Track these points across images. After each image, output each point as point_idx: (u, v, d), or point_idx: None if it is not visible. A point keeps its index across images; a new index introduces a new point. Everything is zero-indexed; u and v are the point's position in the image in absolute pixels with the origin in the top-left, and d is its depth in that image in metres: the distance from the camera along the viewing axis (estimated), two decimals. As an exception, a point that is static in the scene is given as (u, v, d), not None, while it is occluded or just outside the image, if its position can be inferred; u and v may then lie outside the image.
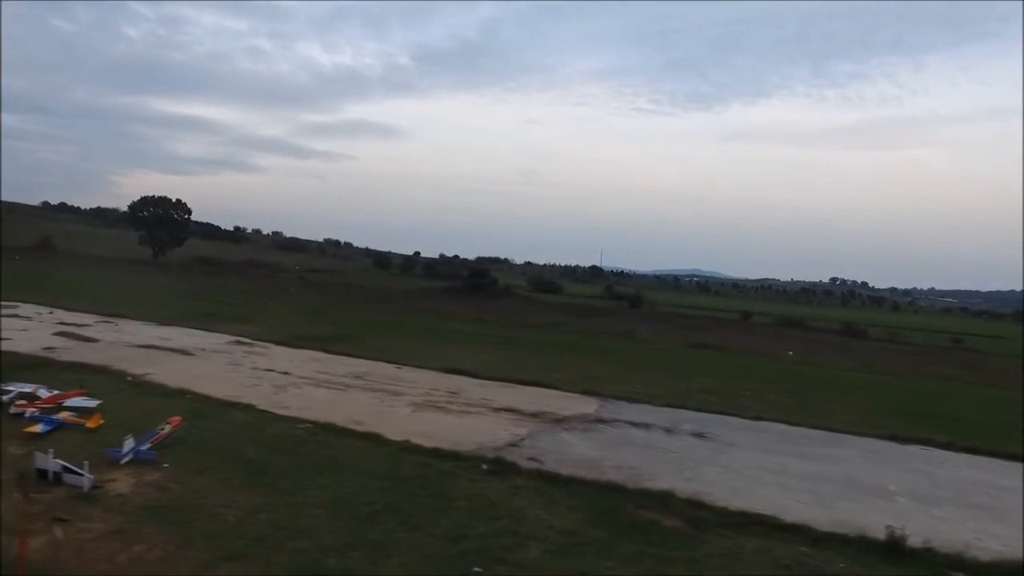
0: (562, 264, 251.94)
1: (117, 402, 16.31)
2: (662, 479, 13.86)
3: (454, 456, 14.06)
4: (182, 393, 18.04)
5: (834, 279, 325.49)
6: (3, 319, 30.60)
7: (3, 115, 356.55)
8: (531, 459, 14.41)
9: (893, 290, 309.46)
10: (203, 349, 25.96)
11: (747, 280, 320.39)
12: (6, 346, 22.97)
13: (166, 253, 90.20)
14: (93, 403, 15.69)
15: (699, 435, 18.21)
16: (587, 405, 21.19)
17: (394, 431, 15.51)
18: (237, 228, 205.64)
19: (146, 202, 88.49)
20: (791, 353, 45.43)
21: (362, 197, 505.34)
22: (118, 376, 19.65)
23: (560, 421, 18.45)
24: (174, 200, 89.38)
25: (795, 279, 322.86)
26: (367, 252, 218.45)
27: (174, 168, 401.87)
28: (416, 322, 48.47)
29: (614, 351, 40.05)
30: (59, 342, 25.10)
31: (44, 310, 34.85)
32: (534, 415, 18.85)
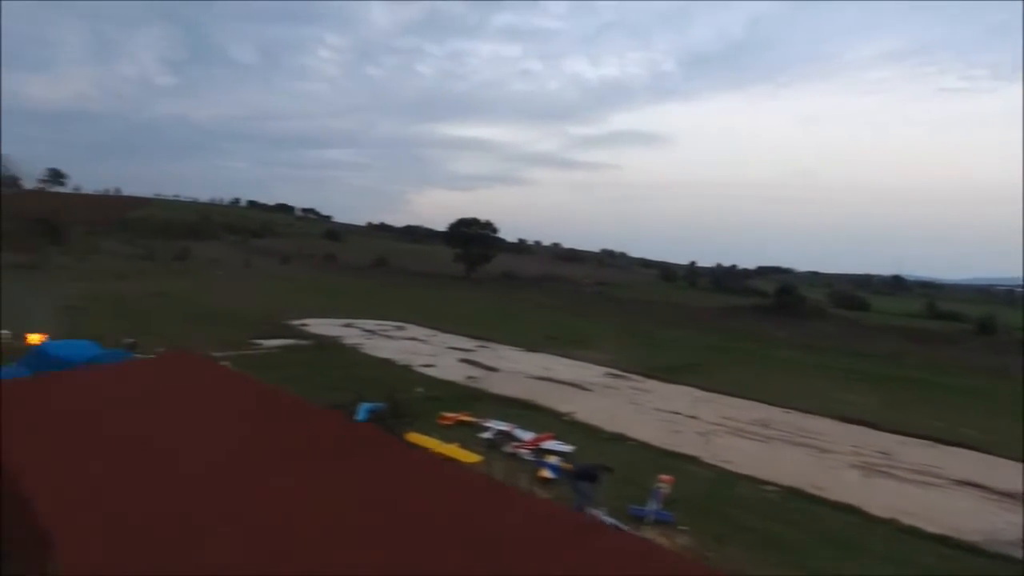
0: (852, 273, 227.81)
1: (573, 445, 17.76)
2: None
3: (972, 550, 12.94)
4: (621, 438, 19.21)
5: None
6: (403, 341, 35.84)
7: (335, 152, 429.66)
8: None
9: None
10: (591, 383, 27.62)
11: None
12: (437, 373, 26.45)
13: (476, 269, 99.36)
14: (567, 448, 17.30)
15: None
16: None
17: (870, 504, 14.81)
18: (520, 240, 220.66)
19: (462, 223, 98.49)
20: None
21: (629, 206, 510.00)
22: (550, 414, 21.54)
23: (1044, 505, 16.18)
24: (484, 220, 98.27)
25: None
26: (643, 262, 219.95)
27: (456, 185, 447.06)
28: (742, 347, 47.08)
29: (993, 395, 34.73)
30: (470, 371, 28.47)
31: (427, 331, 40.09)
32: (1007, 495, 16.79)
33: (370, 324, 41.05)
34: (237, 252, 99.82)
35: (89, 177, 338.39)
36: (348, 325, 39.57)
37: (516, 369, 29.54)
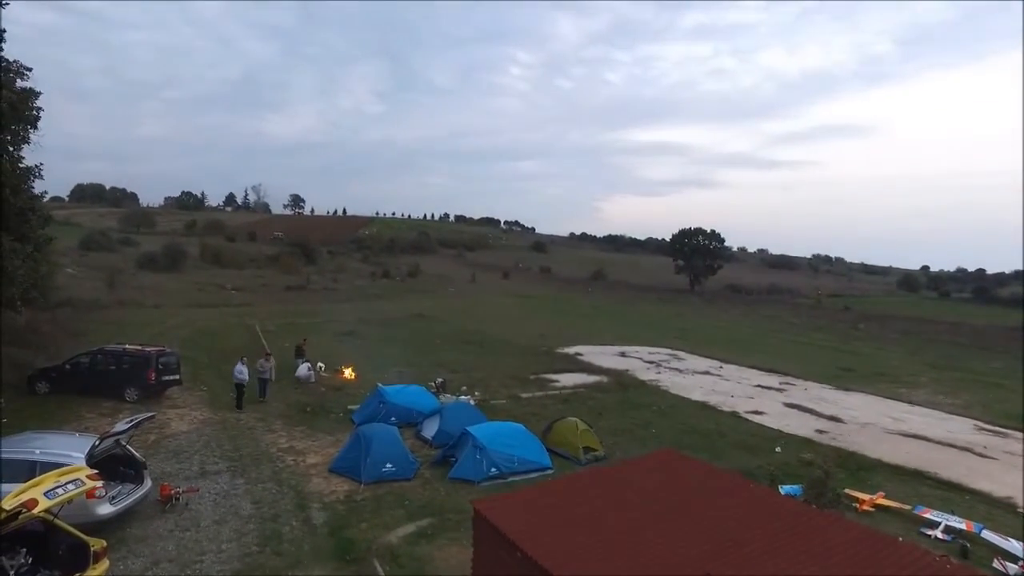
0: None
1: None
2: None
3: None
4: None
5: None
6: (697, 376, 32.29)
7: (527, 163, 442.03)
8: None
9: None
10: (977, 444, 22.22)
11: None
12: (775, 423, 22.22)
13: (701, 282, 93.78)
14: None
15: None
16: None
17: None
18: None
19: (684, 233, 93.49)
20: None
21: (837, 205, 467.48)
22: (980, 497, 16.87)
23: None
24: (709, 231, 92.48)
25: None
26: (864, 268, 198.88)
27: (645, 190, 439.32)
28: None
29: None
30: (808, 420, 24.31)
31: (710, 362, 36.24)
32: None
33: (642, 351, 38.29)
34: (459, 267, 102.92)
35: (318, 200, 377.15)
36: (622, 354, 37.02)
37: (859, 418, 24.91)
